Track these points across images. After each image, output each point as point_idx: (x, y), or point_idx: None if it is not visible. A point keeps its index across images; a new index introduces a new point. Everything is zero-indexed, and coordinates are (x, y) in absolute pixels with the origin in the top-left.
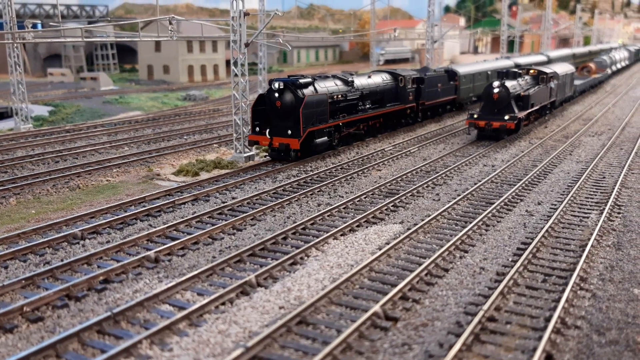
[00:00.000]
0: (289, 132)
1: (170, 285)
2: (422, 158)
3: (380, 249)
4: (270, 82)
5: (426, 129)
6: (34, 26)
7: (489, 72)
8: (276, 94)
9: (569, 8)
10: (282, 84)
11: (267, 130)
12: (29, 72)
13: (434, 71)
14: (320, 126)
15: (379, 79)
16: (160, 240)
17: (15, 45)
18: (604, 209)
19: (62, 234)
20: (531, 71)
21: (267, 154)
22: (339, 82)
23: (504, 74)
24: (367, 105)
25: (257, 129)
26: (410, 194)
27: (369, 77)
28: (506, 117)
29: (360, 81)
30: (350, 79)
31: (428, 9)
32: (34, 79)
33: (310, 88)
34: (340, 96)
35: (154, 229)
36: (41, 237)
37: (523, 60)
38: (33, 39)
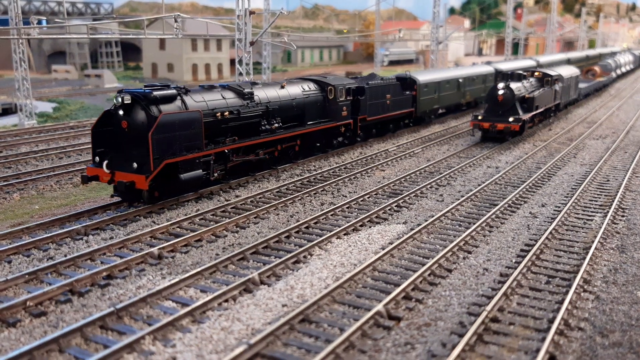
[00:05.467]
0: (135, 165)
1: (173, 281)
2: (426, 159)
3: (383, 249)
4: (118, 93)
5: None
6: (39, 22)
7: (461, 80)
8: (121, 112)
9: (574, 11)
10: (129, 97)
11: (106, 162)
12: (33, 69)
13: (381, 79)
14: (188, 156)
15: (297, 90)
16: (164, 237)
17: (20, 41)
18: (608, 211)
19: (66, 230)
20: (536, 73)
21: (114, 193)
22: (229, 94)
23: (508, 76)
24: (276, 124)
25: (98, 158)
26: (414, 194)
27: (282, 87)
28: (510, 119)
29: (265, 93)
30: (247, 90)
31: (433, 10)
32: (38, 76)
33: (176, 103)
34: (228, 113)
35: (157, 226)
36: (45, 232)
37: (506, 65)
38: (38, 35)
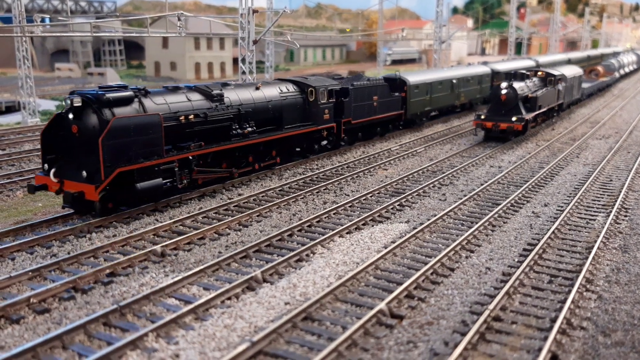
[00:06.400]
0: (84, 173)
1: (176, 279)
2: (429, 158)
3: (386, 248)
4: (69, 95)
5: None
6: (43, 20)
7: (454, 81)
8: (71, 115)
9: (578, 11)
10: (79, 99)
11: (53, 170)
12: (36, 67)
13: (368, 80)
14: (146, 163)
15: (273, 92)
16: (167, 235)
17: (23, 39)
18: (610, 211)
19: (69, 227)
20: (539, 73)
21: (64, 204)
22: (195, 96)
23: (511, 75)
24: (250, 128)
25: (47, 165)
26: (416, 193)
27: (257, 88)
28: (513, 119)
29: (237, 95)
30: (216, 92)
31: (436, 9)
32: (41, 74)
33: (133, 105)
34: (193, 116)
35: (160, 224)
36: (48, 229)
37: (504, 66)
38: (41, 33)
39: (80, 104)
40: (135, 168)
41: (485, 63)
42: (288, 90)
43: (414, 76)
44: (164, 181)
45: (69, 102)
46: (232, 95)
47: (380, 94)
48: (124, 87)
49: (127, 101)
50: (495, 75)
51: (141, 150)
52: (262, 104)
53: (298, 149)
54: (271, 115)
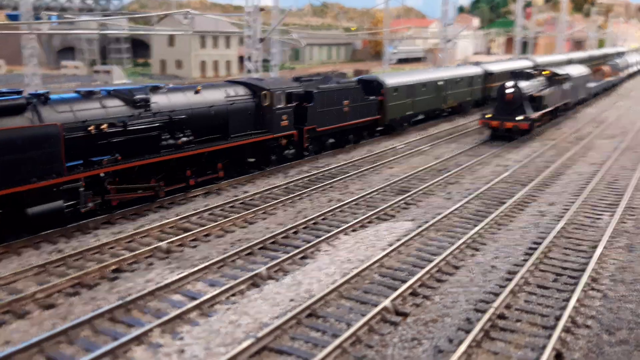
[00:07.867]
0: None
1: (181, 275)
2: (435, 157)
3: (391, 245)
4: None
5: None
6: (50, 18)
7: (441, 83)
8: None
9: (584, 11)
10: None
11: None
12: (42, 64)
13: (338, 82)
14: (39, 183)
15: (217, 96)
16: (173, 231)
17: (30, 36)
18: (616, 210)
19: (75, 224)
20: (545, 72)
21: None
22: (112, 102)
23: (517, 75)
24: (185, 138)
25: None
26: (422, 191)
27: (196, 92)
28: (519, 118)
29: (168, 99)
30: (139, 97)
31: (442, 8)
32: (47, 71)
33: (25, 115)
34: (106, 126)
35: (166, 221)
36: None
37: (499, 67)
38: (48, 30)
39: None
40: (23, 190)
41: (477, 63)
42: (237, 93)
43: (393, 78)
44: (67, 204)
45: None
46: (161, 100)
47: (353, 98)
48: (15, 93)
49: (15, 110)
50: (489, 77)
51: (33, 168)
52: (202, 109)
53: (252, 160)
54: (214, 123)
